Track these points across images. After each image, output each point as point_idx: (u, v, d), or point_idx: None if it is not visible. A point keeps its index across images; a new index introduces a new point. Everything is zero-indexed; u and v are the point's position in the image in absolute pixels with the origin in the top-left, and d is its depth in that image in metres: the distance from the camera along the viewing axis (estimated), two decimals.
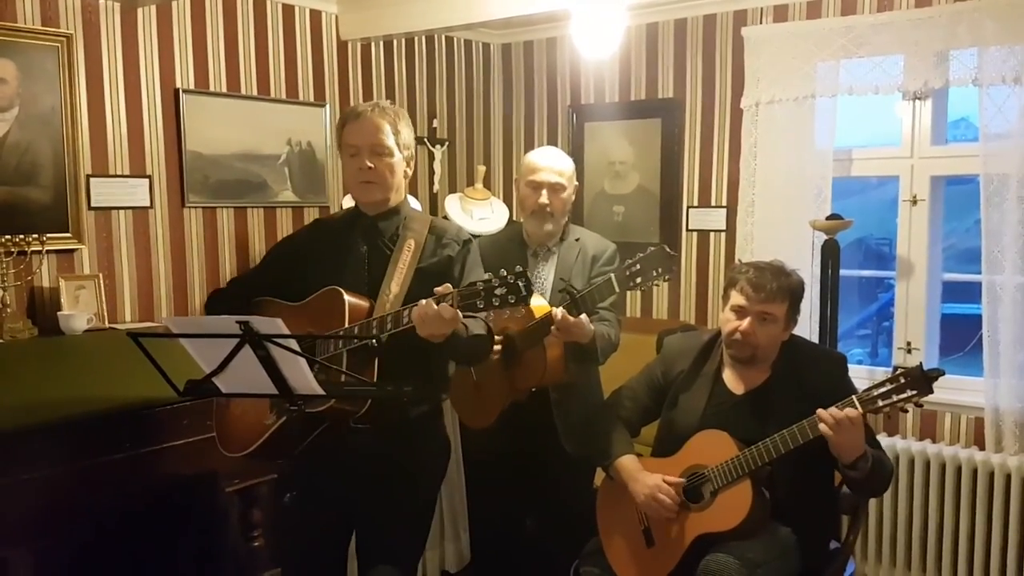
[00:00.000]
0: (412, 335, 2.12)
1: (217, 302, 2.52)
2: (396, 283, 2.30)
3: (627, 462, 2.52)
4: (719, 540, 2.31)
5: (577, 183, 2.99)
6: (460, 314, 2.07)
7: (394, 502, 2.36)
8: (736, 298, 2.44)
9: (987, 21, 3.22)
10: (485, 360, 2.59)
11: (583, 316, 2.57)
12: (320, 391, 2.00)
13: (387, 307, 2.26)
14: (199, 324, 2.08)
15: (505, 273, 2.04)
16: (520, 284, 2.02)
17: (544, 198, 2.83)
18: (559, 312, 2.53)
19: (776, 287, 2.40)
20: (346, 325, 2.23)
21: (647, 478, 2.44)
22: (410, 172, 2.44)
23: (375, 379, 2.19)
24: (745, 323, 2.41)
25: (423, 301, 2.09)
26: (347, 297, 2.25)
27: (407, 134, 2.39)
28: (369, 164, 2.32)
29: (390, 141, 2.34)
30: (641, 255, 2.40)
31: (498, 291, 2.03)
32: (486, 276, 2.08)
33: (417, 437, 2.39)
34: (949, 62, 3.37)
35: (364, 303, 2.28)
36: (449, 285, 2.12)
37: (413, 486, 2.40)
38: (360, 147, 2.33)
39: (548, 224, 2.87)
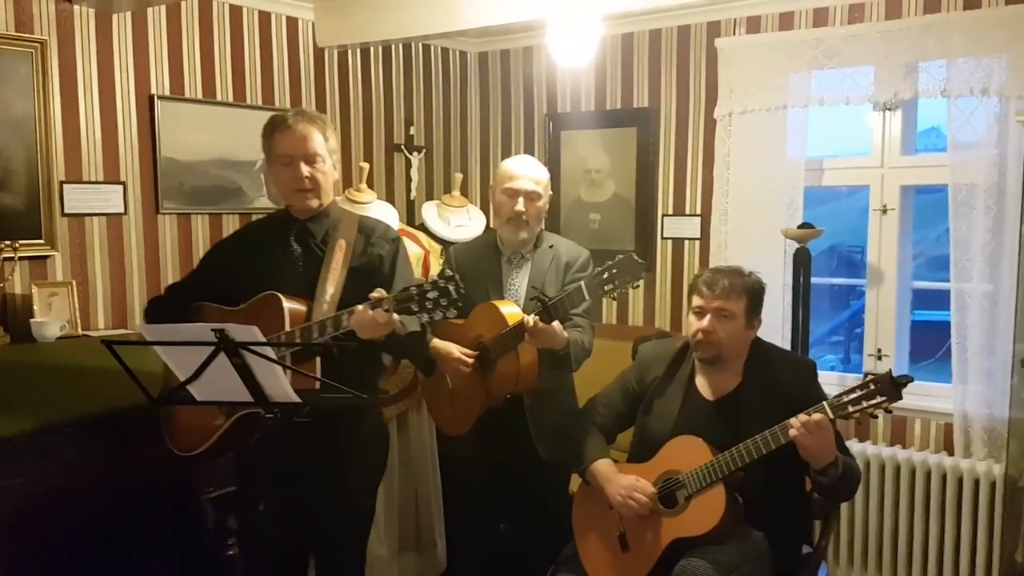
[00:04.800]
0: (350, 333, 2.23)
1: (157, 310, 2.55)
2: (331, 284, 2.38)
3: (602, 466, 2.54)
4: (693, 544, 2.33)
5: (551, 192, 3.01)
6: (396, 317, 2.18)
7: (341, 484, 2.45)
8: (695, 300, 2.51)
9: (955, 34, 3.28)
10: (423, 356, 2.70)
11: (556, 323, 2.59)
12: (296, 399, 2.01)
13: (324, 308, 2.34)
14: (174, 332, 2.08)
15: (436, 278, 2.15)
16: (450, 288, 2.13)
17: (520, 206, 2.84)
18: (531, 319, 2.56)
19: (729, 284, 2.46)
20: (287, 328, 2.29)
21: (622, 479, 2.46)
22: (337, 174, 2.52)
23: (318, 376, 2.25)
24: (705, 322, 2.46)
25: (359, 307, 2.19)
26: (285, 303, 2.31)
27: (333, 139, 2.48)
28: (305, 173, 2.39)
29: (321, 149, 2.42)
30: (610, 263, 2.45)
31: (430, 295, 2.14)
32: (418, 281, 2.19)
33: (359, 423, 2.48)
34: (918, 73, 3.43)
35: (302, 307, 2.35)
36: (383, 290, 2.22)
37: (358, 469, 2.50)
38: (293, 156, 2.39)
39: (523, 232, 2.88)
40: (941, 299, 3.60)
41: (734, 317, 2.45)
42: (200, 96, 3.60)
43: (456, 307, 2.16)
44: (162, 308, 2.52)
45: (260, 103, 3.81)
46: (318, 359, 2.29)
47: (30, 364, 2.82)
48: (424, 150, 4.56)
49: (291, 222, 2.49)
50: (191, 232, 3.61)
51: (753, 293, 2.49)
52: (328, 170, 2.45)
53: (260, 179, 3.81)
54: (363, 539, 2.63)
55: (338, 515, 2.48)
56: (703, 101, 4.04)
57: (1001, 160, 3.28)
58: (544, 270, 2.90)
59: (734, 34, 3.90)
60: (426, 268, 3.64)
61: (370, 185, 4.03)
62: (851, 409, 2.21)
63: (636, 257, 2.44)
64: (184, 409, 2.38)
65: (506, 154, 4.59)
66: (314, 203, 2.44)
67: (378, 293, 2.19)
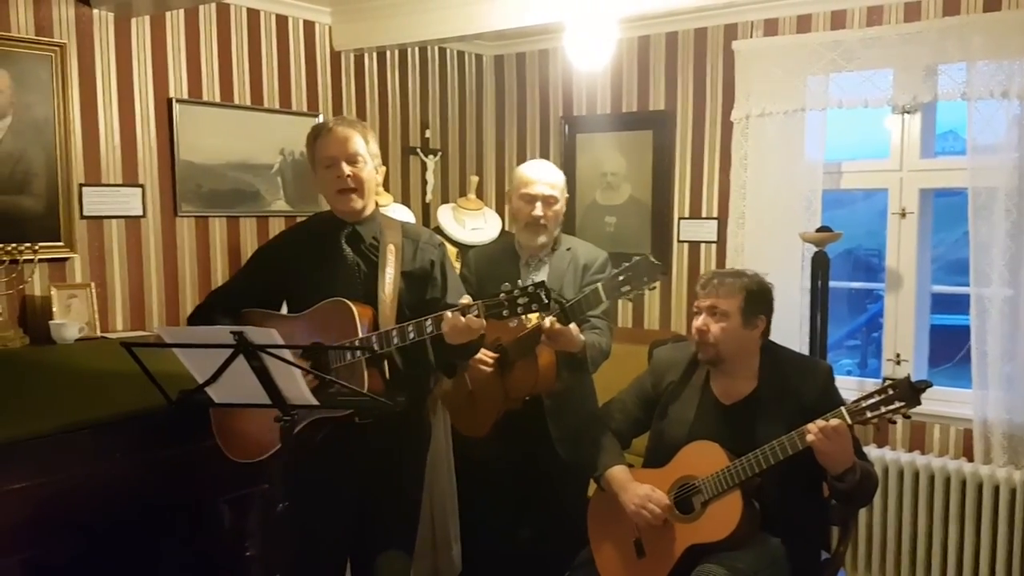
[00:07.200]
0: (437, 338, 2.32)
1: (201, 318, 2.54)
2: (389, 287, 2.43)
3: (618, 473, 2.53)
4: (710, 551, 2.31)
5: (568, 195, 3.02)
6: (485, 323, 2.25)
7: (391, 488, 2.50)
8: (695, 303, 2.52)
9: (975, 36, 3.26)
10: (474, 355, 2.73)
11: (572, 325, 2.60)
12: (313, 401, 2.02)
13: (386, 312, 2.39)
14: (193, 334, 2.09)
15: (528, 284, 2.20)
16: (541, 293, 2.19)
17: (538, 210, 2.87)
18: (548, 321, 2.57)
19: (719, 282, 2.45)
20: (360, 334, 2.32)
21: (637, 488, 2.45)
22: (380, 180, 2.58)
23: (386, 379, 2.33)
24: (699, 320, 2.45)
25: (449, 313, 2.26)
26: (354, 307, 2.35)
27: (374, 143, 2.53)
28: (347, 172, 2.43)
29: (362, 150, 2.46)
30: (627, 264, 2.46)
31: (520, 300, 2.20)
32: (506, 287, 2.22)
33: (408, 425, 2.52)
34: (938, 76, 3.41)
35: (368, 310, 2.39)
36: (469, 297, 2.32)
37: (406, 470, 2.56)
38: (336, 157, 2.44)
39: (542, 236, 2.90)
40: (960, 303, 3.57)
41: (726, 315, 2.42)
42: (218, 99, 3.62)
43: (547, 311, 2.25)
44: (208, 316, 2.51)
45: (277, 107, 3.83)
46: (386, 363, 2.35)
47: (49, 366, 2.84)
48: (440, 153, 4.57)
49: (340, 225, 2.52)
50: (209, 235, 3.63)
51: (750, 292, 2.44)
52: (369, 172, 2.48)
53: (277, 182, 3.83)
54: (414, 533, 2.67)
55: (396, 510, 2.55)
56: (720, 104, 4.02)
57: (1021, 163, 3.25)
58: (562, 272, 2.90)
59: (751, 37, 3.88)
60: None
61: (386, 188, 4.04)
62: (869, 415, 2.19)
63: (652, 259, 2.45)
64: (242, 418, 2.40)
65: (522, 157, 4.59)
66: (358, 204, 2.47)
67: (467, 299, 2.31)
